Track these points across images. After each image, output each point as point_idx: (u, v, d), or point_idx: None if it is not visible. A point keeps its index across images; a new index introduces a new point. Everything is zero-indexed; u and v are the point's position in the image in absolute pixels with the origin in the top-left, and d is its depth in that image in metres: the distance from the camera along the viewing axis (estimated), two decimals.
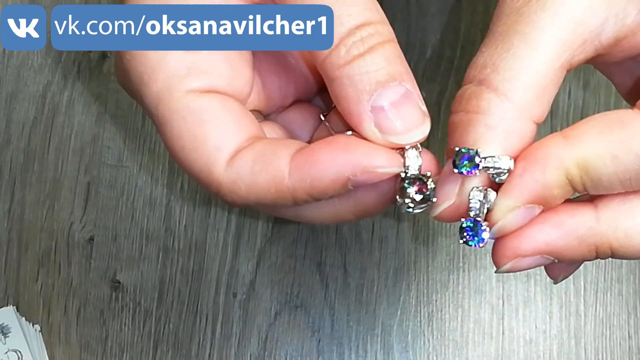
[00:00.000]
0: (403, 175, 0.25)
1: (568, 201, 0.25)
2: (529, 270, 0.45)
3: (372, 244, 0.46)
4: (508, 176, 0.24)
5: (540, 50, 0.24)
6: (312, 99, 0.33)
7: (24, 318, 0.47)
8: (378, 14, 0.26)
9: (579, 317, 0.45)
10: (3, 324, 0.46)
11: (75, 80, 0.49)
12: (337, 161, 0.24)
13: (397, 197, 0.25)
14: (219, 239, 0.47)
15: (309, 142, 0.30)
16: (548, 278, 0.29)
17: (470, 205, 0.25)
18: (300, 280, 0.46)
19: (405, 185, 0.25)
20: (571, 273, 0.30)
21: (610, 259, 0.45)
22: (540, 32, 0.24)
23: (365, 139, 0.25)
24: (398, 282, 0.45)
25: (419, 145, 0.25)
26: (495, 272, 0.26)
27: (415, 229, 0.46)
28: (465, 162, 0.24)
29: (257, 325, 0.46)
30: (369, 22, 0.25)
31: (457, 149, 0.24)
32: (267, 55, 0.31)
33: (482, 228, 0.25)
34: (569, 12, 0.24)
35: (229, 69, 0.27)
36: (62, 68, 0.49)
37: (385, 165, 0.24)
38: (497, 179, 0.25)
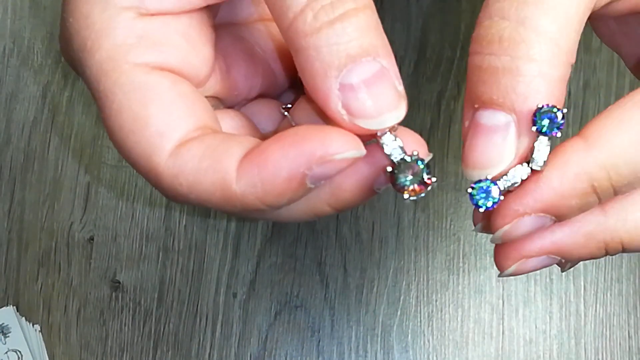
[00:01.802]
0: (389, 168, 0.22)
1: None
2: None
3: (372, 244, 0.46)
4: (523, 181, 0.22)
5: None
6: (280, 96, 0.30)
7: (24, 318, 0.47)
8: None
9: (579, 317, 0.45)
10: (3, 324, 0.46)
11: (75, 80, 0.49)
12: (288, 157, 0.21)
13: (392, 187, 0.22)
14: (219, 239, 0.47)
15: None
16: (548, 278, 0.29)
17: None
18: (300, 280, 0.46)
19: (394, 174, 0.22)
20: (579, 261, 0.27)
21: (610, 258, 0.45)
22: None
23: (332, 122, 0.22)
24: (398, 282, 0.45)
25: (395, 126, 0.22)
26: (499, 275, 0.24)
27: (415, 229, 0.46)
28: (484, 196, 0.22)
29: (257, 325, 0.46)
30: None
31: (469, 189, 0.22)
32: (235, 41, 0.28)
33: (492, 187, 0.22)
34: None
35: (185, 44, 0.24)
36: (62, 68, 0.49)
37: (343, 149, 0.21)
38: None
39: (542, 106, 0.21)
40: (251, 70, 0.28)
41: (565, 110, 0.21)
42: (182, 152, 0.22)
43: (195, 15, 0.25)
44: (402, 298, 0.45)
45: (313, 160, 0.21)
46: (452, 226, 0.46)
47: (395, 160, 0.22)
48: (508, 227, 0.22)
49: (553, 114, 0.21)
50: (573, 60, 0.22)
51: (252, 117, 0.28)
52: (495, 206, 0.22)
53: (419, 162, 0.22)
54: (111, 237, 0.47)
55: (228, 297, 0.46)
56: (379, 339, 0.45)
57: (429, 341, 0.45)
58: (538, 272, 0.45)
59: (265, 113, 0.28)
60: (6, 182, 0.48)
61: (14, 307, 0.47)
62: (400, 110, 0.22)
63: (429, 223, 0.46)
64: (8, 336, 0.46)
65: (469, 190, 0.22)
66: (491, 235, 0.23)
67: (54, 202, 0.48)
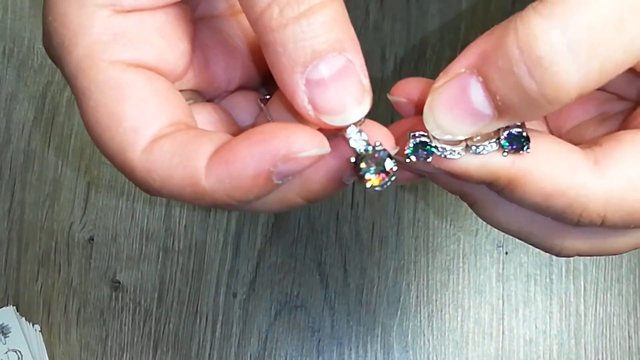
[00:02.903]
0: (352, 159, 0.22)
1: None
2: (529, 271, 0.45)
3: (372, 244, 0.46)
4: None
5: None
6: (260, 88, 0.31)
7: (24, 318, 0.47)
8: None
9: (579, 317, 0.45)
10: (3, 324, 0.46)
11: None
12: (254, 155, 0.21)
13: (356, 177, 0.22)
14: (219, 239, 0.47)
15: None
16: (548, 278, 0.29)
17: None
18: (300, 280, 0.46)
19: (357, 164, 0.22)
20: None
21: (610, 258, 0.45)
22: None
23: (301, 117, 0.22)
24: (398, 282, 0.45)
25: (362, 120, 0.22)
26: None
27: (415, 229, 0.46)
28: (415, 149, 0.23)
29: (257, 325, 0.46)
30: None
31: (411, 133, 0.23)
32: (214, 34, 0.28)
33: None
34: None
35: (161, 40, 0.25)
36: None
37: (306, 147, 0.21)
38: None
39: (514, 131, 0.22)
40: (230, 63, 0.28)
41: (528, 149, 0.22)
42: (155, 148, 0.23)
43: (172, 10, 0.25)
44: (402, 298, 0.45)
45: (277, 158, 0.21)
46: (452, 226, 0.46)
47: (358, 151, 0.22)
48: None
49: (518, 142, 0.22)
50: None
51: (231, 110, 0.29)
52: (417, 159, 0.23)
53: (382, 153, 0.22)
54: (111, 237, 0.47)
55: (228, 297, 0.46)
56: (379, 339, 0.45)
57: (429, 341, 0.45)
58: (538, 272, 0.45)
59: (244, 106, 0.29)
60: (6, 182, 0.48)
61: (14, 307, 0.47)
62: (364, 105, 0.22)
63: (429, 223, 0.46)
64: (8, 336, 0.46)
65: (410, 143, 0.23)
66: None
67: (54, 202, 0.48)
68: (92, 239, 0.47)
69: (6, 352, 0.45)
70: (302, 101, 0.22)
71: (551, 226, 0.25)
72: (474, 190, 0.26)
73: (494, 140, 0.22)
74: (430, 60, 0.47)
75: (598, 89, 0.23)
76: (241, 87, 0.30)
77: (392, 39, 0.47)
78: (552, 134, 0.28)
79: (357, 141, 0.22)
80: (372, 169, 0.22)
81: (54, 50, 0.24)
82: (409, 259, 0.46)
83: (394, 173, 0.22)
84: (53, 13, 0.24)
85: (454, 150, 0.23)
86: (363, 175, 0.22)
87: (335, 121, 0.22)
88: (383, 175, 0.22)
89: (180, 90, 0.27)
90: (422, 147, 0.23)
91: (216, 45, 0.28)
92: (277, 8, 0.21)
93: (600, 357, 0.44)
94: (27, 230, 0.48)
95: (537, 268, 0.45)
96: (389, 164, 0.22)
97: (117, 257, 0.47)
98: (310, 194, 0.24)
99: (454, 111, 0.22)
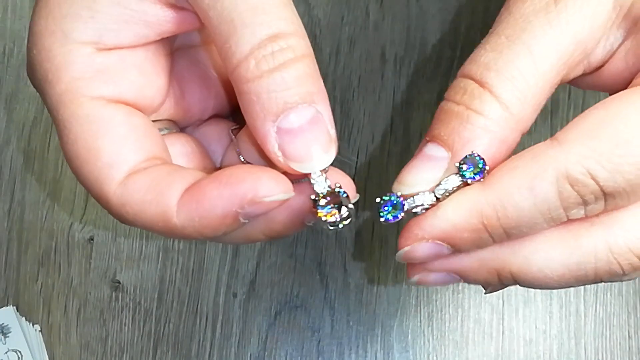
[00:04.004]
0: (313, 197, 0.24)
1: None
2: None
3: (372, 244, 0.46)
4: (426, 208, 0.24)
5: (543, 67, 0.24)
6: (229, 117, 0.32)
7: (24, 318, 0.47)
8: (293, 24, 0.24)
9: (579, 317, 0.45)
10: (3, 324, 0.46)
11: None
12: (222, 196, 0.23)
13: (315, 215, 0.24)
14: None
15: (222, 158, 0.29)
16: None
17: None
18: (300, 280, 0.46)
19: (316, 202, 0.24)
20: (479, 284, 0.28)
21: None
22: (546, 48, 0.24)
23: (270, 160, 0.24)
24: (398, 282, 0.45)
25: (327, 168, 0.24)
26: (406, 283, 0.26)
27: None
28: (390, 209, 0.24)
29: (257, 325, 0.46)
30: (282, 34, 0.23)
31: (378, 199, 0.24)
32: (190, 65, 0.30)
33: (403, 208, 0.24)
34: (573, 32, 0.24)
35: (140, 76, 0.26)
36: None
37: (272, 193, 0.23)
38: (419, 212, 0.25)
39: (473, 154, 0.23)
40: (204, 93, 0.30)
41: (487, 168, 0.23)
42: (130, 183, 0.24)
43: (151, 47, 0.27)
44: (402, 298, 0.45)
45: (245, 201, 0.23)
46: None
47: (319, 192, 0.24)
48: (408, 249, 0.24)
49: (474, 163, 0.23)
50: (525, 130, 0.24)
51: (203, 139, 0.30)
52: (394, 220, 0.24)
53: (341, 193, 0.24)
54: (111, 237, 0.47)
55: (228, 297, 0.46)
56: (379, 339, 0.45)
57: (429, 341, 0.45)
58: None
59: (216, 135, 0.30)
60: (6, 182, 0.48)
61: (14, 307, 0.47)
62: (329, 155, 0.24)
63: None
64: (8, 336, 0.46)
65: (377, 200, 0.24)
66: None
67: (54, 202, 0.48)
68: (92, 239, 0.47)
69: (6, 352, 0.46)
70: (273, 147, 0.23)
71: (582, 237, 0.25)
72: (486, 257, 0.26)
73: (453, 174, 0.24)
74: (430, 60, 0.47)
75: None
76: (214, 116, 0.31)
77: (392, 39, 0.47)
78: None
79: (320, 184, 0.24)
80: (329, 207, 0.24)
81: (37, 81, 0.26)
82: None
83: (349, 215, 0.24)
84: (38, 47, 0.25)
85: (421, 196, 0.24)
86: (320, 213, 0.24)
87: (303, 168, 0.24)
88: (337, 214, 0.24)
89: (156, 120, 0.28)
90: (392, 204, 0.25)
91: (192, 77, 0.30)
92: (253, 61, 0.23)
93: (600, 357, 0.44)
94: (27, 230, 0.48)
95: None
96: (345, 205, 0.24)
97: (117, 257, 0.47)
98: (272, 232, 0.26)
99: (412, 164, 0.25)
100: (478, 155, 0.23)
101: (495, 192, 0.23)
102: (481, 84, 0.24)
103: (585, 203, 0.23)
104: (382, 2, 0.47)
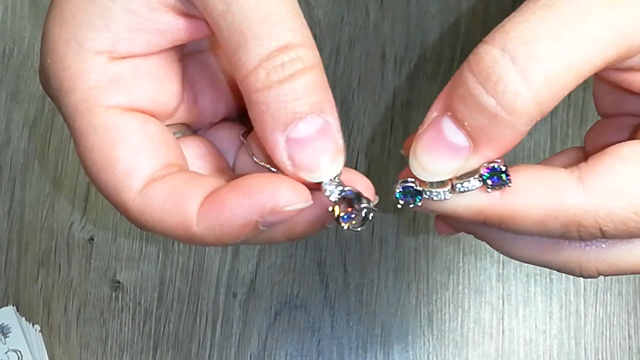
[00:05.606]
0: (330, 208, 0.24)
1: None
2: (529, 271, 0.45)
3: (372, 244, 0.46)
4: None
5: (584, 68, 0.22)
6: (238, 120, 0.33)
7: (24, 318, 0.47)
8: (302, 35, 0.24)
9: (579, 317, 0.45)
10: (3, 324, 0.46)
11: None
12: (242, 206, 0.23)
13: (337, 223, 0.25)
14: None
15: (235, 159, 0.30)
16: (548, 278, 0.29)
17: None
18: (300, 280, 0.46)
19: (333, 211, 0.24)
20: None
21: None
22: (591, 37, 0.22)
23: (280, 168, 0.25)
24: (398, 282, 0.45)
25: (337, 176, 0.25)
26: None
27: (415, 229, 0.46)
28: (407, 197, 0.25)
29: (257, 325, 0.46)
30: (291, 45, 0.23)
31: (396, 185, 0.25)
32: (201, 69, 0.30)
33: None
34: (619, 24, 0.22)
35: (154, 83, 0.26)
36: None
37: (291, 202, 0.23)
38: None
39: (498, 167, 0.24)
40: (215, 97, 0.30)
41: (509, 180, 0.24)
42: (149, 191, 0.24)
43: (164, 54, 0.27)
44: (402, 298, 0.45)
45: (265, 211, 0.23)
46: None
47: (333, 201, 0.25)
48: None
49: (498, 176, 0.24)
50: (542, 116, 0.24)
51: (215, 141, 0.30)
52: (408, 206, 0.25)
53: (349, 193, 0.24)
54: (111, 237, 0.47)
55: (228, 297, 0.46)
56: (379, 339, 0.45)
57: (429, 341, 0.45)
58: (538, 272, 0.45)
59: (227, 138, 0.31)
60: (6, 182, 0.48)
61: (14, 307, 0.47)
62: (337, 165, 0.24)
63: (429, 223, 0.46)
64: (8, 336, 0.46)
65: (398, 189, 0.25)
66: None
67: (54, 202, 0.48)
68: (92, 239, 0.47)
69: (6, 352, 0.45)
70: (282, 157, 0.24)
71: (562, 251, 0.26)
72: (480, 228, 0.27)
73: (476, 176, 0.24)
74: (430, 60, 0.47)
75: (628, 114, 0.26)
76: (225, 118, 0.31)
77: (392, 39, 0.47)
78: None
79: (332, 192, 0.24)
80: (346, 215, 0.25)
81: (52, 90, 0.26)
82: (409, 259, 0.46)
83: (367, 214, 0.25)
84: (52, 56, 0.25)
85: (440, 192, 0.24)
86: (339, 220, 0.24)
87: (312, 177, 0.24)
88: (356, 216, 0.24)
89: (170, 125, 0.28)
90: (409, 191, 0.25)
91: (203, 81, 0.30)
92: (263, 71, 0.23)
93: (600, 357, 0.44)
94: (27, 230, 0.48)
95: (537, 268, 0.45)
96: (362, 209, 0.24)
97: (117, 257, 0.47)
98: (293, 235, 0.26)
99: (433, 149, 0.24)
100: (504, 167, 0.24)
101: (508, 211, 0.24)
102: (514, 60, 0.22)
103: (582, 239, 0.24)
104: (382, 2, 0.47)
